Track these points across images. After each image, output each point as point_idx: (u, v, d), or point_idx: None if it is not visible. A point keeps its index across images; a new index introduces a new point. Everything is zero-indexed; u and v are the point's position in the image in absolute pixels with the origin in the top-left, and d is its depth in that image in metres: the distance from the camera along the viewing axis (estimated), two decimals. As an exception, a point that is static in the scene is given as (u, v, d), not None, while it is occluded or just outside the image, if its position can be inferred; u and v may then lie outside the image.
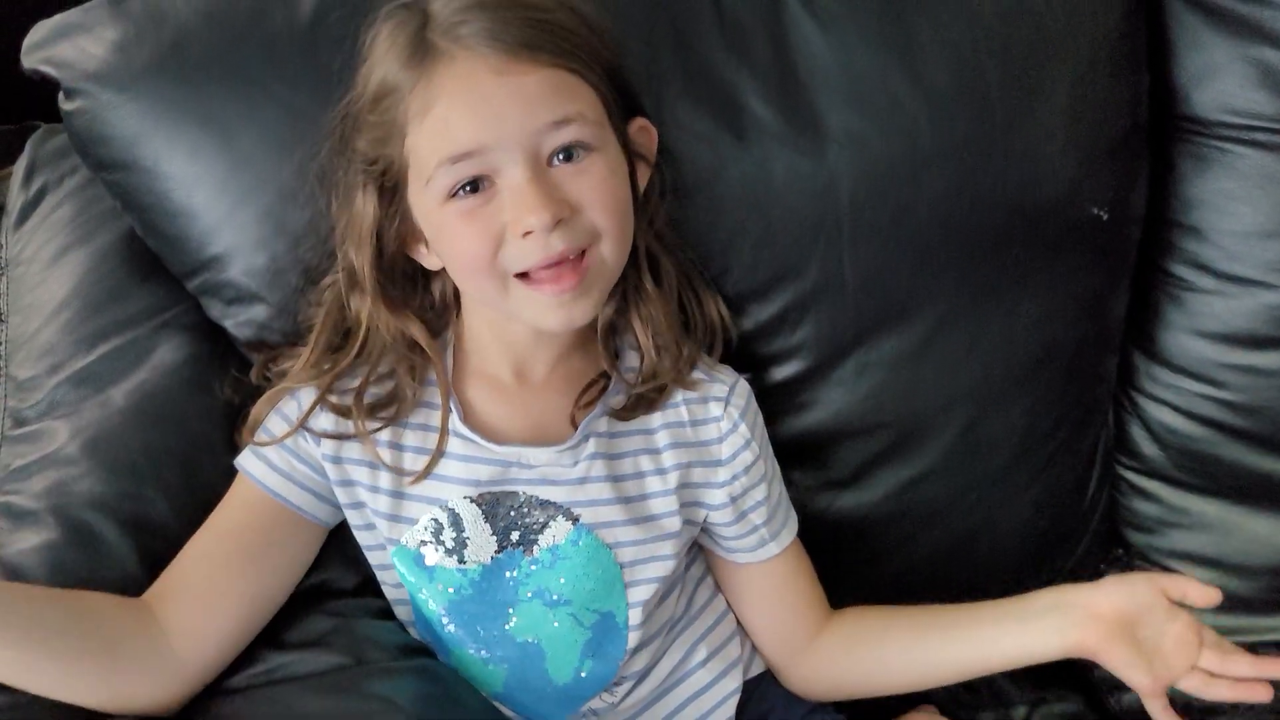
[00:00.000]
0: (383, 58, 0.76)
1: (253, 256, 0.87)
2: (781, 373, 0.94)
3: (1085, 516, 1.09)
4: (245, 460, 0.81)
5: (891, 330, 0.94)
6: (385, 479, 0.80)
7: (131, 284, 0.91)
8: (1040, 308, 0.97)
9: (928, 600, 0.89)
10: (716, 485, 0.84)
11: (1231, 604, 1.07)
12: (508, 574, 0.80)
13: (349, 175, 0.80)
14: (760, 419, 0.88)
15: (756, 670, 0.91)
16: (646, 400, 0.83)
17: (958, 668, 0.86)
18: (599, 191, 0.74)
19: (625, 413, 0.83)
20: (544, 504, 0.80)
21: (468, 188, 0.73)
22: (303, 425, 0.79)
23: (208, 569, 0.76)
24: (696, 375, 0.85)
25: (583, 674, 0.82)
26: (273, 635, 0.76)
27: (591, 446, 0.81)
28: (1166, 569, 1.11)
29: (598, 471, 0.81)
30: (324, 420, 0.80)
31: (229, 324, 0.89)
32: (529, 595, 0.80)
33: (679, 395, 0.85)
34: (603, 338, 0.84)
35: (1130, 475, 1.11)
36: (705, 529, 0.87)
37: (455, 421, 0.81)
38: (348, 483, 0.80)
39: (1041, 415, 1.01)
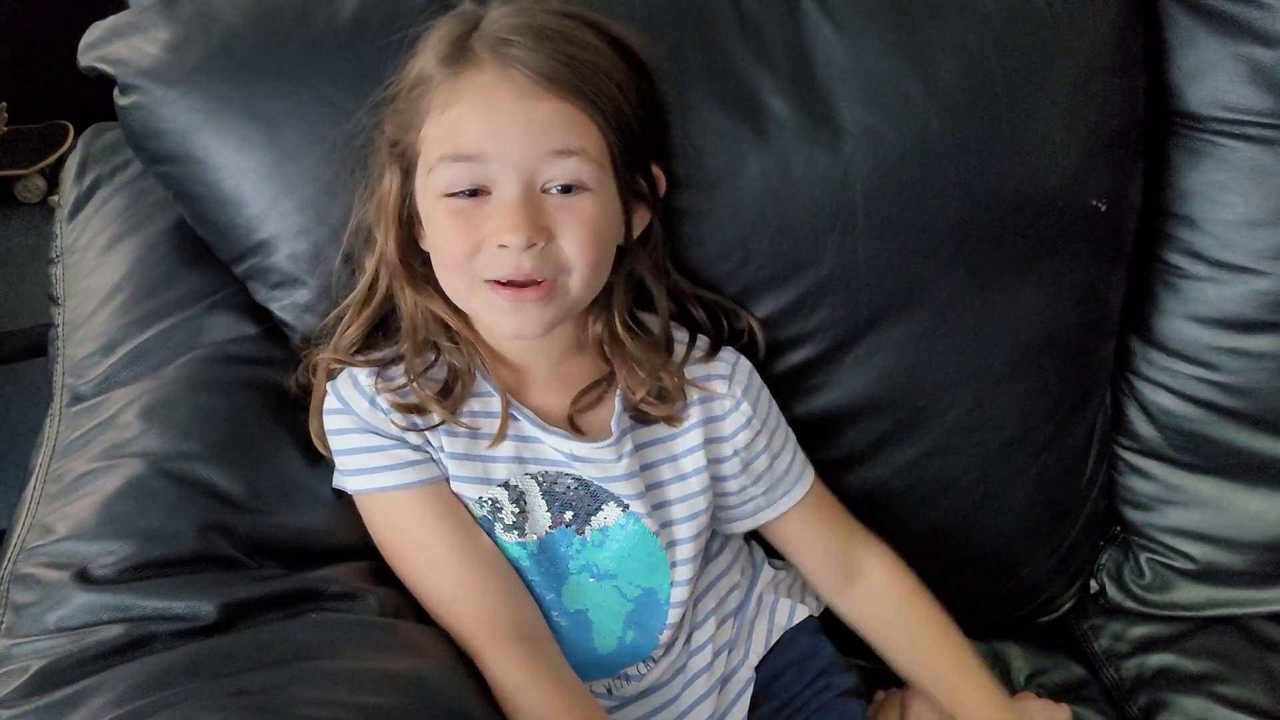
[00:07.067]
0: (426, 51, 0.80)
1: (296, 243, 0.90)
2: (797, 356, 0.97)
3: (1084, 494, 1.11)
4: (360, 482, 0.81)
5: (901, 315, 0.96)
6: (445, 461, 0.81)
7: (181, 269, 0.94)
8: (1041, 294, 0.99)
9: (936, 568, 0.93)
10: (723, 459, 0.89)
11: (1224, 577, 1.12)
12: (561, 549, 0.84)
13: (380, 156, 0.84)
14: (764, 393, 0.92)
15: (776, 635, 0.94)
16: (652, 408, 0.86)
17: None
18: (580, 228, 0.77)
19: (639, 416, 0.86)
20: (597, 490, 0.83)
21: (466, 193, 0.77)
22: (384, 407, 0.80)
23: (481, 576, 0.80)
24: (694, 373, 0.88)
25: (626, 641, 0.86)
26: (319, 589, 0.77)
27: (630, 442, 0.85)
28: (1163, 545, 1.14)
29: (638, 465, 0.85)
30: (393, 400, 0.81)
31: (274, 306, 0.92)
32: (578, 569, 0.84)
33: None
34: (596, 348, 0.87)
35: (1127, 455, 1.13)
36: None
37: (513, 402, 0.83)
38: (420, 449, 0.82)
39: (1041, 396, 1.03)
